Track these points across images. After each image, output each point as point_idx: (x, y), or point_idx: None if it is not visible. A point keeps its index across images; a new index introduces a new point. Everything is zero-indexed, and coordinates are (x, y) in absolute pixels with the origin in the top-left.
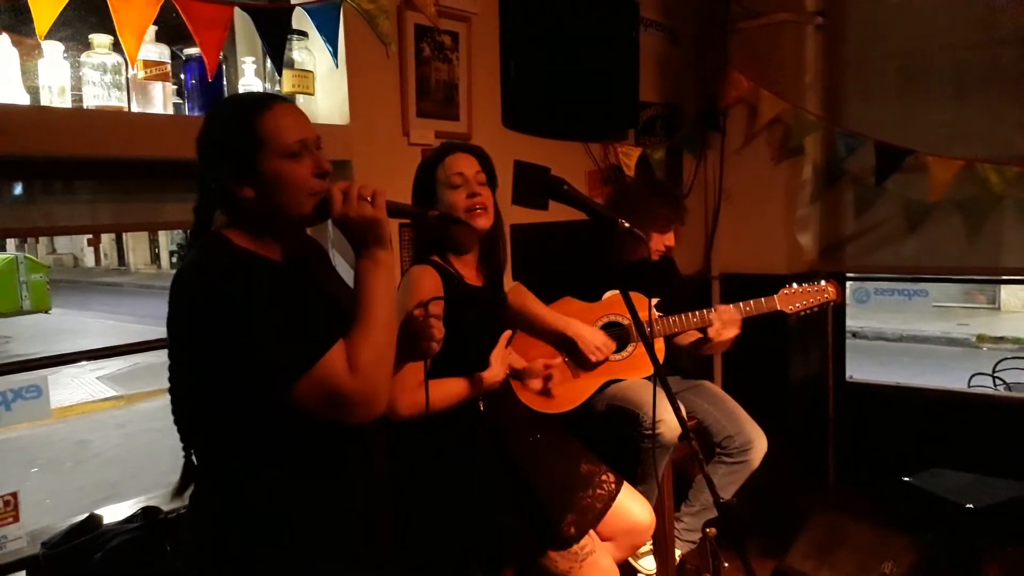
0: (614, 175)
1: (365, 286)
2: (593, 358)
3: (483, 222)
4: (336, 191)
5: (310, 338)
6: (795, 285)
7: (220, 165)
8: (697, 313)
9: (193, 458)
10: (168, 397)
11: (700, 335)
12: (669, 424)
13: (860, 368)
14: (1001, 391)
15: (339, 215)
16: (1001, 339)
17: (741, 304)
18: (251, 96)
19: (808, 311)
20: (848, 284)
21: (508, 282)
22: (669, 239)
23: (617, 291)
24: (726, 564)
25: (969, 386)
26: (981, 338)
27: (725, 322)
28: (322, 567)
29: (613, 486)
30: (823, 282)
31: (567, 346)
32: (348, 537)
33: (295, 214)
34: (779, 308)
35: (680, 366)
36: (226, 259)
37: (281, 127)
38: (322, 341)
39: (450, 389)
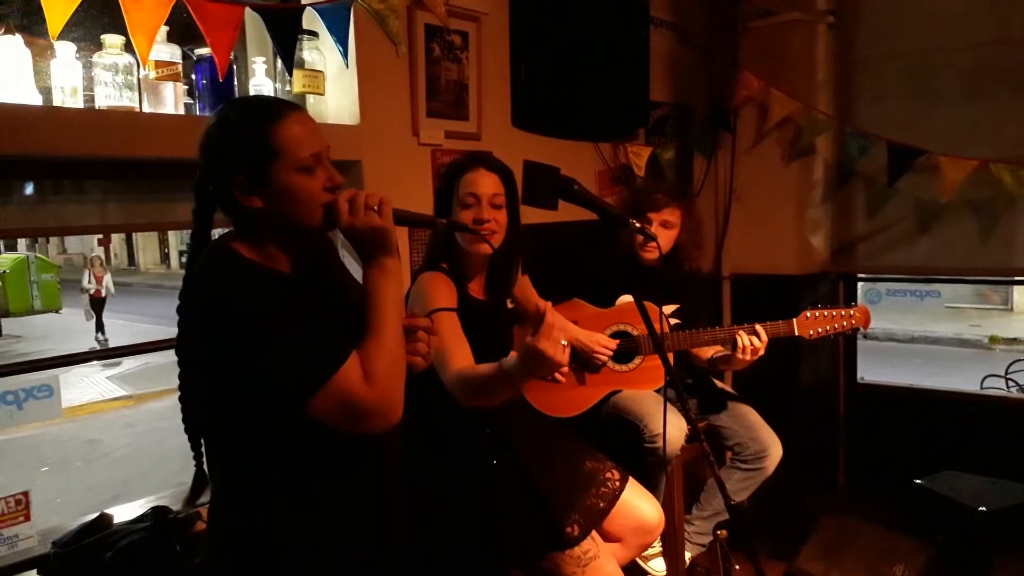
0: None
1: (375, 295)
2: (599, 359)
3: (486, 246)
4: (342, 200)
5: (323, 352)
6: (819, 308)
7: (230, 173)
8: (722, 329)
9: (204, 467)
10: (176, 398)
11: (718, 349)
12: (669, 439)
13: (871, 369)
14: (1014, 392)
15: (346, 225)
16: (1014, 340)
17: (758, 326)
18: (262, 102)
19: (829, 336)
20: (860, 285)
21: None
22: (667, 231)
23: (630, 297)
24: (737, 566)
25: (981, 387)
26: (994, 339)
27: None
28: (339, 570)
29: (618, 484)
30: (852, 308)
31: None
32: (365, 541)
33: (304, 225)
34: (797, 334)
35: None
36: (234, 275)
37: (297, 139)
38: (336, 354)
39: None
